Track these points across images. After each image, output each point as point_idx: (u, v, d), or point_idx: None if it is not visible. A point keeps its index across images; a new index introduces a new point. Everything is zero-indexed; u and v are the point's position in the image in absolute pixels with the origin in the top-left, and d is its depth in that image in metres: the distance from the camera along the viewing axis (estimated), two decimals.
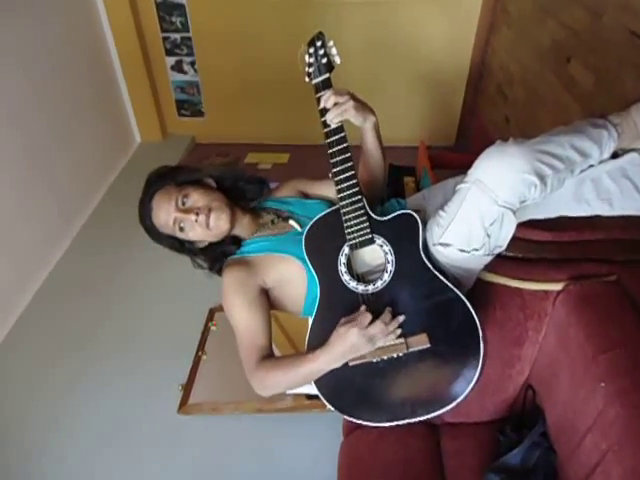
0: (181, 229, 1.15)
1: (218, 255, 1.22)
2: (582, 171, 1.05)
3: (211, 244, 1.21)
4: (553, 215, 1.15)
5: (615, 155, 1.08)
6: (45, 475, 1.65)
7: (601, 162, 1.06)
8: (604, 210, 1.11)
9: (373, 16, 2.77)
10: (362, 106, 1.09)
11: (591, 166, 1.05)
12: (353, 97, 1.07)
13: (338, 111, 1.03)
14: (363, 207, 1.04)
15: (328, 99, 1.04)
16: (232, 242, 1.22)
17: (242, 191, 1.27)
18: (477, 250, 0.99)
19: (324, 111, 1.05)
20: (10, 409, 1.83)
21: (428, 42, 2.84)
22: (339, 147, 1.04)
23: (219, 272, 1.22)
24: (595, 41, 1.61)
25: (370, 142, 1.18)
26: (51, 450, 1.70)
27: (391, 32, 2.83)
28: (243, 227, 1.22)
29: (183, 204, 1.14)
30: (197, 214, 1.12)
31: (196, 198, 1.15)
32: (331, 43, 1.07)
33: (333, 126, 1.04)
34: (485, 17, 2.69)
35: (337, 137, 1.04)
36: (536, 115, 2.10)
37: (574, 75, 1.75)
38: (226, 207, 1.17)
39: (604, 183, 1.08)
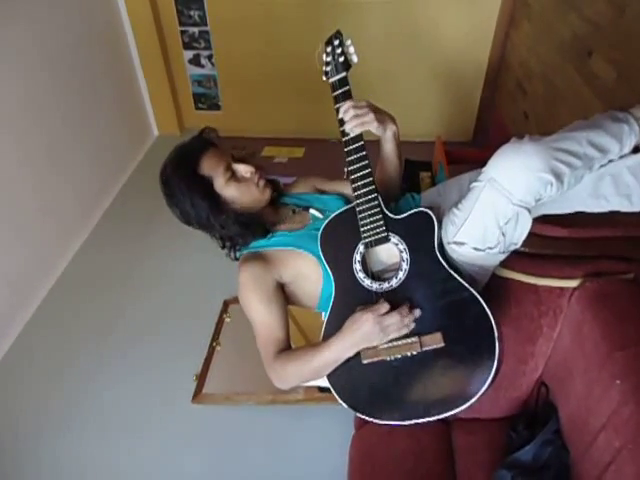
0: (231, 175, 1.13)
1: (250, 226, 1.18)
2: (601, 166, 1.02)
3: (244, 216, 1.17)
4: (570, 210, 1.13)
5: (637, 149, 1.05)
6: (61, 466, 1.68)
7: (622, 157, 1.03)
8: (623, 206, 1.08)
9: (391, 10, 2.75)
10: (382, 116, 1.09)
11: (611, 161, 1.03)
12: (373, 108, 1.07)
13: (357, 122, 1.04)
14: (379, 205, 1.04)
15: (347, 111, 1.04)
16: (261, 223, 1.20)
17: None
18: (492, 248, 0.98)
19: (342, 121, 1.05)
20: (28, 401, 1.88)
21: (446, 37, 2.81)
22: (358, 155, 1.05)
23: (234, 251, 1.21)
24: (617, 35, 1.58)
25: (389, 151, 1.19)
26: (68, 439, 1.74)
27: (410, 26, 2.81)
28: (266, 216, 1.22)
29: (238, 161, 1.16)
30: (255, 169, 1.15)
31: (250, 163, 1.18)
32: (349, 42, 1.07)
33: (352, 135, 1.05)
34: (505, 11, 2.65)
35: (355, 146, 1.05)
36: (556, 111, 2.07)
37: (595, 70, 1.71)
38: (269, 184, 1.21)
39: (624, 178, 1.05)
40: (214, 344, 1.96)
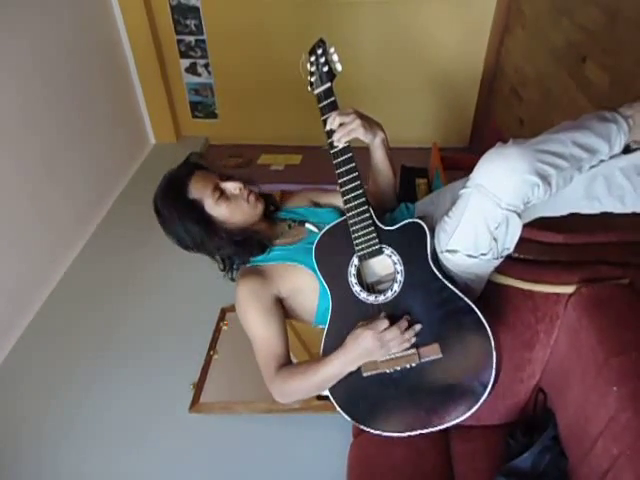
0: (220, 195, 1.13)
1: (247, 245, 1.18)
2: (593, 167, 1.02)
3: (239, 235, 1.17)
4: (563, 212, 1.13)
5: (628, 148, 1.04)
6: (59, 474, 1.67)
7: (613, 157, 1.03)
8: (615, 207, 1.08)
9: (386, 16, 2.77)
10: (369, 123, 1.09)
11: (602, 161, 1.03)
12: (359, 115, 1.07)
13: (345, 131, 1.04)
14: (370, 218, 1.04)
15: (333, 121, 1.04)
16: (258, 240, 1.19)
17: None
18: (485, 254, 0.98)
19: (330, 133, 1.05)
20: (25, 409, 1.86)
21: (442, 43, 2.83)
22: (346, 167, 1.05)
23: (232, 272, 1.22)
24: (610, 41, 1.59)
25: (379, 158, 1.18)
26: (65, 449, 1.72)
27: (404, 32, 2.83)
28: (262, 232, 1.22)
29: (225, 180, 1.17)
30: (243, 185, 1.16)
31: (237, 179, 1.18)
32: (332, 50, 1.06)
33: (340, 146, 1.05)
34: (499, 18, 2.67)
35: (344, 157, 1.05)
36: (550, 116, 2.08)
37: (589, 76, 1.73)
38: (260, 197, 1.21)
39: (617, 180, 1.04)
40: (211, 352, 1.95)
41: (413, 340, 0.99)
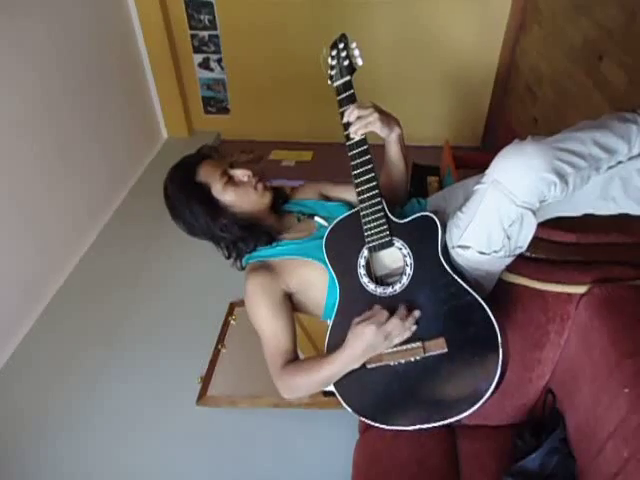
0: (228, 179, 1.14)
1: (252, 231, 1.18)
2: (610, 167, 1.00)
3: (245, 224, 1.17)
4: (578, 213, 1.12)
5: None
6: (64, 466, 1.68)
7: (631, 158, 1.01)
8: (632, 209, 1.07)
9: (400, 13, 2.76)
10: (387, 118, 1.09)
11: (620, 162, 1.01)
12: (377, 109, 1.07)
13: (362, 124, 1.04)
14: (382, 209, 1.04)
15: (351, 113, 1.04)
16: (264, 229, 1.19)
17: None
18: (497, 252, 0.97)
19: (347, 125, 1.05)
20: (33, 399, 1.89)
21: (456, 40, 2.81)
22: (362, 159, 1.05)
23: (240, 260, 1.22)
24: (629, 40, 1.56)
25: (394, 153, 1.18)
26: (73, 442, 1.74)
27: (419, 30, 2.81)
28: (269, 223, 1.22)
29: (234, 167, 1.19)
30: (252, 173, 1.17)
31: (246, 167, 1.19)
32: (354, 45, 1.07)
33: (357, 138, 1.05)
34: (515, 15, 2.64)
35: (360, 150, 1.05)
36: (566, 116, 2.05)
37: (606, 75, 1.70)
38: (269, 188, 1.21)
39: (634, 181, 1.03)
40: (219, 346, 1.96)
41: (414, 328, 0.98)
